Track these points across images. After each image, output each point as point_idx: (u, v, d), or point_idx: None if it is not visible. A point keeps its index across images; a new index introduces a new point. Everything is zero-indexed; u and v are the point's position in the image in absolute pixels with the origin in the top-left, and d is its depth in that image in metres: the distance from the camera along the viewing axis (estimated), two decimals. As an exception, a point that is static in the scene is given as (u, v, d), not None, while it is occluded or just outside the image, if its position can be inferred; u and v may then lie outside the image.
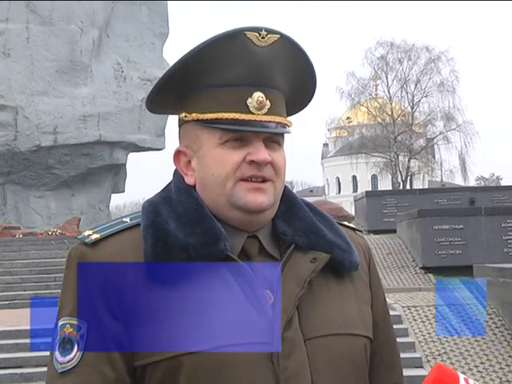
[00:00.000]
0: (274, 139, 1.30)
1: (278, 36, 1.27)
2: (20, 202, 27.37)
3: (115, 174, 29.97)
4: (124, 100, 27.93)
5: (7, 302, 13.53)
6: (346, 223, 1.48)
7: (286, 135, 1.34)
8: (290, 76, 1.32)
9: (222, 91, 1.27)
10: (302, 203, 1.39)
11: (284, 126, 1.31)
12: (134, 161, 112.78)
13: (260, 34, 1.25)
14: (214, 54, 1.26)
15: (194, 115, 1.30)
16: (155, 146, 29.22)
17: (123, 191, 32.05)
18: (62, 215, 26.75)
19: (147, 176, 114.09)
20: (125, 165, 30.20)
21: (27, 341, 8.62)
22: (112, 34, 29.11)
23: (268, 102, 1.28)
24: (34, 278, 14.97)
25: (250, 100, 1.27)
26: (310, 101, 1.42)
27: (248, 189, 1.27)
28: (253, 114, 1.27)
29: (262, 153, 1.26)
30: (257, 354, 1.22)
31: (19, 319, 10.48)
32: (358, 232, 1.49)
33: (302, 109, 1.44)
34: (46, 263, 15.67)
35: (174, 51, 29.78)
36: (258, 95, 1.27)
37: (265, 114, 1.27)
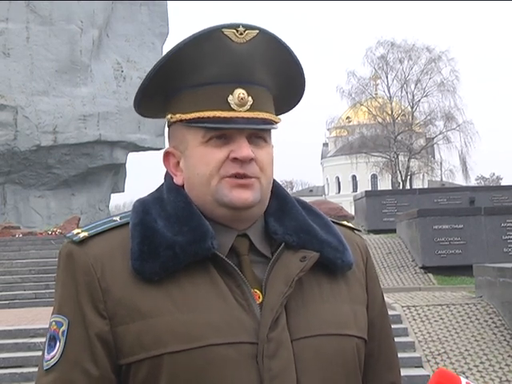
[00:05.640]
0: (258, 135, 1.28)
1: (257, 31, 1.26)
2: (20, 201, 27.37)
3: (115, 174, 29.98)
4: (124, 100, 27.92)
5: (7, 302, 13.53)
6: (344, 223, 1.46)
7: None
8: (274, 71, 1.30)
9: (203, 90, 1.27)
10: (295, 201, 1.38)
11: (270, 122, 1.29)
12: (133, 160, 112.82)
13: (238, 31, 1.24)
14: (191, 53, 1.25)
15: (178, 116, 1.30)
16: (155, 145, 29.22)
17: (123, 191, 32.07)
18: (61, 215, 26.74)
19: (147, 176, 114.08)
20: (125, 164, 30.22)
21: (27, 340, 8.61)
22: (112, 34, 29.10)
23: (250, 98, 1.26)
24: (33, 277, 14.97)
25: (230, 97, 1.26)
26: (300, 97, 1.40)
27: (232, 185, 1.26)
28: (234, 110, 1.25)
29: (244, 150, 1.25)
30: (242, 354, 1.20)
31: (19, 319, 10.47)
32: (356, 231, 1.47)
33: (294, 106, 1.41)
34: (46, 263, 15.64)
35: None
36: (239, 92, 1.26)
37: (247, 111, 1.26)
